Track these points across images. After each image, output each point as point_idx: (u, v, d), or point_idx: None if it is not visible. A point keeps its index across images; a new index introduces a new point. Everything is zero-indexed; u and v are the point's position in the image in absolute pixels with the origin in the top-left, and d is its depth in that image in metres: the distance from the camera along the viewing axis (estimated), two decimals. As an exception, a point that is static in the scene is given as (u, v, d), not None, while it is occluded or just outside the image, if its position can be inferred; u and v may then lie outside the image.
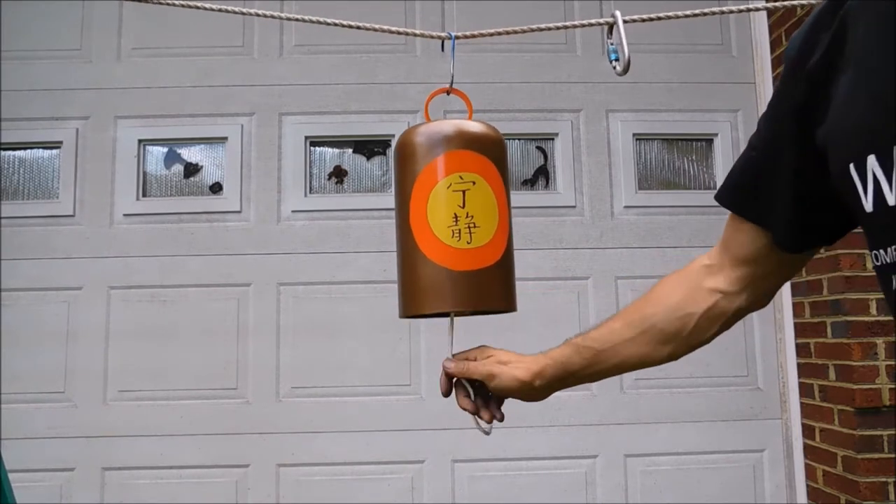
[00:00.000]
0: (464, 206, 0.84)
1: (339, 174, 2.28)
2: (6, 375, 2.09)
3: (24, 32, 2.24)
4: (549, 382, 0.88)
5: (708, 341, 0.85)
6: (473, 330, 2.16)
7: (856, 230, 2.03)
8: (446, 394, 0.92)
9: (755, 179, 0.74)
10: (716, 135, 2.30)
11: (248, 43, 2.30)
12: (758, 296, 0.83)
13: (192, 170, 2.27)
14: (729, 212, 0.80)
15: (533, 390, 0.88)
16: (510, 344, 2.40)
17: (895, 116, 0.53)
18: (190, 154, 2.27)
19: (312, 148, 2.28)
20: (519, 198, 2.21)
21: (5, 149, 2.23)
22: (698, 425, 2.16)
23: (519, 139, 2.30)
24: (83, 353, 2.13)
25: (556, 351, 0.90)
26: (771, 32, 2.28)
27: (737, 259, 0.81)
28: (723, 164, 2.28)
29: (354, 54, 2.29)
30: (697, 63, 2.32)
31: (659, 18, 1.02)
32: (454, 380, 0.92)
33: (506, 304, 0.88)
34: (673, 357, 0.86)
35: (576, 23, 1.06)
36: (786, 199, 0.70)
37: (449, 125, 0.87)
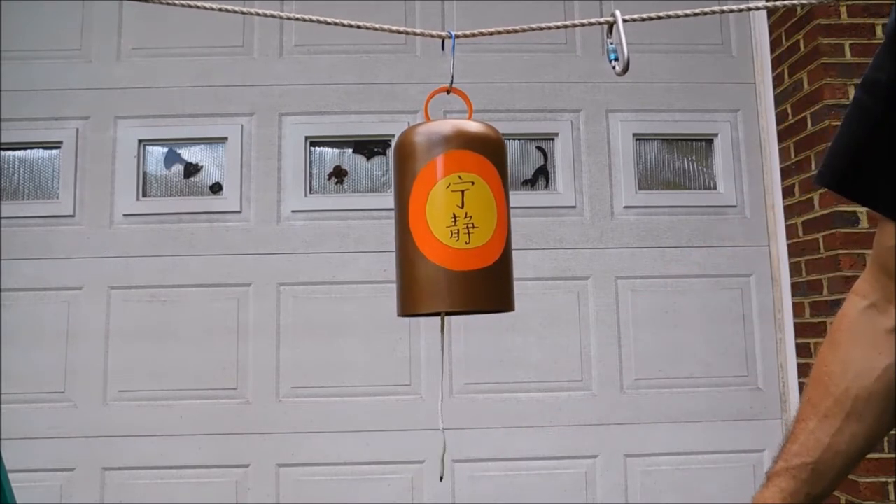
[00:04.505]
0: (462, 207, 0.84)
1: (339, 174, 2.28)
2: (6, 375, 2.09)
3: (24, 32, 2.24)
4: None
5: None
6: (474, 330, 2.17)
7: (854, 229, 2.02)
8: None
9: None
10: (716, 135, 2.30)
11: (248, 43, 2.30)
12: None
13: (192, 170, 2.27)
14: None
15: None
16: (510, 344, 2.38)
17: None
18: (190, 154, 2.27)
19: (312, 148, 2.28)
20: (519, 198, 2.21)
21: (5, 149, 2.23)
22: (698, 425, 2.16)
23: (519, 139, 2.30)
24: (83, 353, 2.13)
25: (770, 492, 0.74)
26: (771, 32, 2.28)
27: None
28: (723, 164, 2.28)
29: (354, 54, 2.29)
30: (697, 63, 2.32)
31: (659, 18, 1.02)
32: None
33: (503, 304, 0.88)
34: None
35: (576, 22, 1.06)
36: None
37: (448, 125, 0.87)
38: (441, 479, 0.87)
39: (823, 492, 0.73)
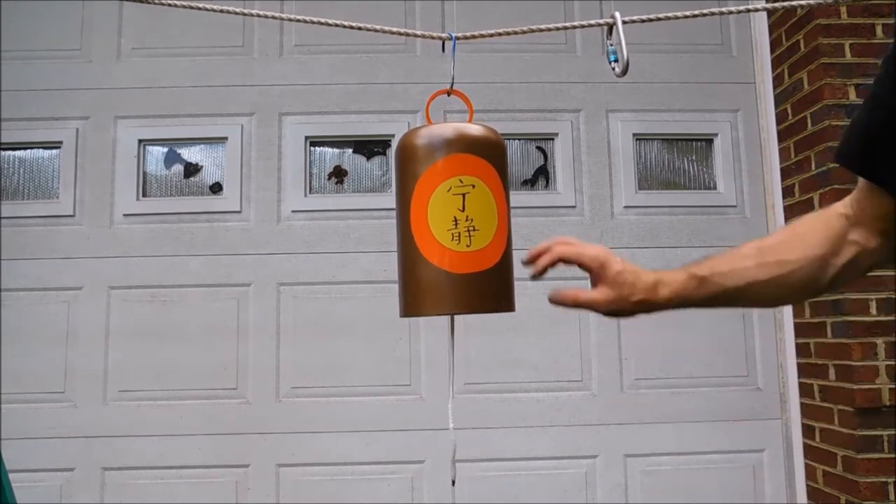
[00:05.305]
0: (463, 210, 0.84)
1: (339, 174, 2.28)
2: (6, 375, 2.09)
3: (24, 32, 2.24)
4: (669, 297, 0.83)
5: (836, 290, 0.87)
6: (474, 330, 2.16)
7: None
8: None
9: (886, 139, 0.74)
10: (716, 135, 2.30)
11: (248, 43, 2.29)
12: (891, 250, 0.83)
13: (192, 170, 2.26)
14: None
15: (652, 301, 0.84)
16: (510, 344, 2.38)
17: None
18: (190, 154, 2.27)
19: (312, 148, 2.28)
20: (519, 198, 2.21)
21: (5, 149, 2.23)
22: (698, 425, 2.16)
23: (519, 139, 2.30)
24: (83, 353, 2.13)
25: (672, 275, 0.85)
26: (771, 32, 2.28)
27: (874, 217, 0.81)
28: (723, 164, 2.28)
29: (354, 54, 2.28)
30: (697, 63, 2.32)
31: (658, 19, 1.02)
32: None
33: (504, 305, 0.88)
34: (800, 301, 0.87)
35: (576, 23, 1.06)
36: None
37: (449, 128, 0.87)
38: (453, 482, 0.88)
39: (705, 303, 0.85)
